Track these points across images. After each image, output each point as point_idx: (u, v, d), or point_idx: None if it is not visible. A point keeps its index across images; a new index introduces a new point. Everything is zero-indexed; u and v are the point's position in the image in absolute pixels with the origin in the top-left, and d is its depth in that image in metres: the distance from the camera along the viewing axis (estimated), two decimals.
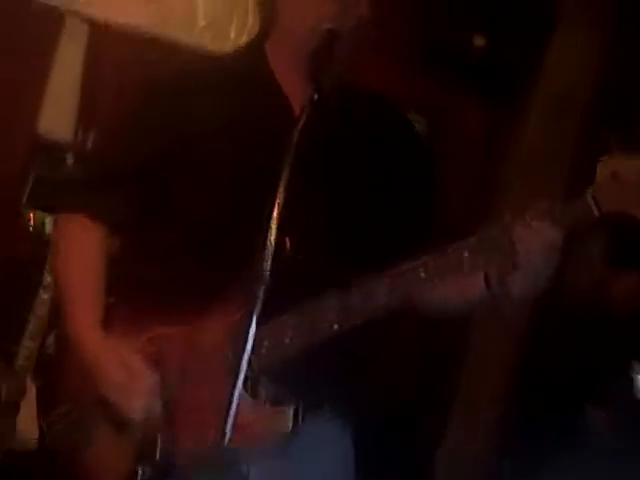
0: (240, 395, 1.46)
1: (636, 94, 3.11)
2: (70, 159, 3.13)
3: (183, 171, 1.67)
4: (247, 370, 1.52)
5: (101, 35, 3.33)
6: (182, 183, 1.68)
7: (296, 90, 1.64)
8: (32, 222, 3.09)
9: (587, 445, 2.76)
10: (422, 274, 1.55)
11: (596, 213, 1.49)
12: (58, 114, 3.28)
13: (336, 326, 1.57)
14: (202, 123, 1.67)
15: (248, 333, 1.36)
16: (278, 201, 1.39)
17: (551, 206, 1.52)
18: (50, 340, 2.65)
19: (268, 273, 1.36)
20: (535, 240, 1.51)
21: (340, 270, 1.61)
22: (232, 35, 3.33)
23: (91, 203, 1.71)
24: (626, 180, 1.47)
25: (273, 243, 1.37)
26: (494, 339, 3.23)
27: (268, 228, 1.38)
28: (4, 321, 2.96)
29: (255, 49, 1.75)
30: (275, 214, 1.38)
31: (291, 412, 1.59)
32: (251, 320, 1.36)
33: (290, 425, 1.59)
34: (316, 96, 1.49)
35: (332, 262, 1.63)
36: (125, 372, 1.58)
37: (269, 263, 1.37)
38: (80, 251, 1.71)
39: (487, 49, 3.25)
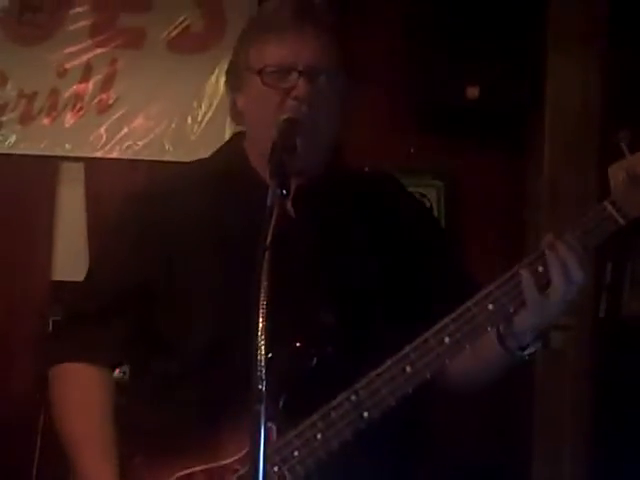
0: None
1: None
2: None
3: (174, 290, 1.60)
4: None
5: (98, 170, 3.36)
6: (173, 303, 1.61)
7: None
8: None
9: None
10: (446, 339, 1.46)
11: (621, 221, 1.43)
12: (70, 256, 3.28)
13: (366, 414, 1.47)
14: (188, 233, 1.61)
15: (258, 456, 1.25)
16: (262, 311, 1.30)
17: (572, 230, 1.45)
18: None
19: (264, 389, 1.26)
20: (567, 256, 1.43)
21: (359, 360, 1.52)
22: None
23: (80, 352, 1.63)
24: None
25: (263, 357, 1.27)
26: (560, 384, 3.07)
27: (258, 342, 1.29)
28: None
29: (234, 148, 1.71)
30: (260, 325, 1.29)
31: None
32: (258, 442, 1.26)
33: None
34: (284, 191, 1.41)
35: (349, 355, 1.53)
36: None
37: (263, 379, 1.26)
38: (85, 400, 1.62)
39: (481, 99, 3.17)
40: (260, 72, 1.57)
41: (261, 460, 1.25)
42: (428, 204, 3.47)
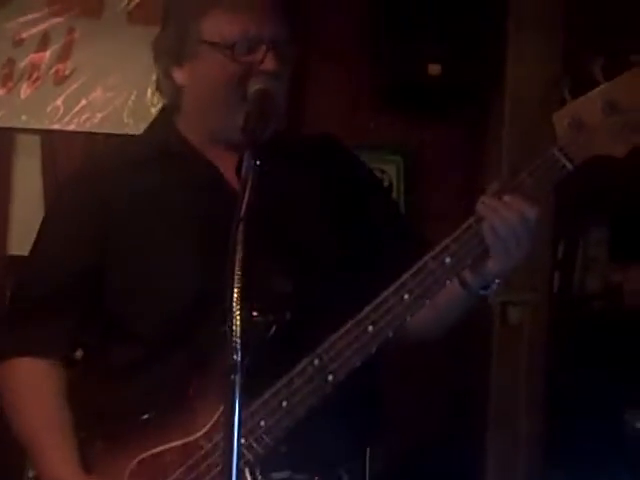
0: None
1: None
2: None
3: (120, 270, 1.56)
4: (254, 462, 1.44)
5: (55, 143, 3.29)
6: (121, 284, 1.56)
7: (220, 155, 1.58)
8: None
9: (628, 453, 2.67)
10: (405, 296, 1.45)
11: (569, 166, 1.43)
12: (25, 230, 3.20)
13: (331, 377, 1.46)
14: (131, 211, 1.57)
15: (232, 425, 1.25)
16: (237, 282, 1.29)
17: (522, 178, 1.44)
18: None
19: (238, 361, 1.25)
20: (504, 213, 1.43)
21: (318, 324, 1.50)
22: None
23: (28, 346, 1.57)
24: (587, 124, 1.42)
25: (238, 326, 1.26)
26: (516, 358, 3.12)
27: (230, 310, 1.28)
28: None
29: (166, 128, 1.66)
30: (235, 295, 1.28)
31: None
32: (234, 413, 1.26)
33: None
34: (258, 161, 1.40)
35: (308, 320, 1.51)
36: None
37: (238, 349, 1.26)
38: (36, 394, 1.57)
39: (443, 76, 3.18)
40: (228, 46, 1.54)
41: (236, 431, 1.25)
42: (388, 180, 3.49)
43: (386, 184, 3.45)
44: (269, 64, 1.54)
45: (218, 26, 1.55)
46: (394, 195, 3.44)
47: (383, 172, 3.45)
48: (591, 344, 3.10)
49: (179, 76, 1.59)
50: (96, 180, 1.60)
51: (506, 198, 1.44)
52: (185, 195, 1.58)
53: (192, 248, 1.54)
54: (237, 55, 1.54)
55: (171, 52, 1.59)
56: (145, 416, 1.51)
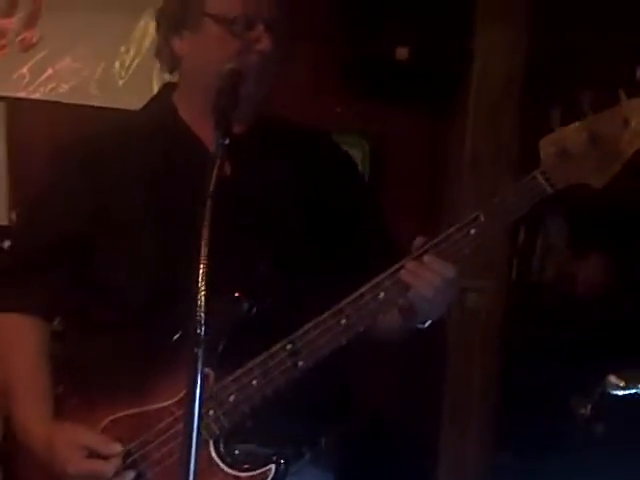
0: (219, 466, 1.50)
1: (568, 71, 3.12)
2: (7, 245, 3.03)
3: (108, 240, 1.60)
4: (219, 434, 1.48)
5: (21, 111, 3.26)
6: (108, 253, 1.61)
7: (209, 130, 1.57)
8: None
9: (576, 438, 2.75)
10: (381, 294, 1.52)
11: (549, 190, 1.50)
12: None
13: (301, 363, 1.51)
14: (121, 184, 1.62)
15: (194, 398, 1.28)
16: (203, 257, 1.31)
17: (503, 196, 1.51)
18: None
19: (203, 334, 1.28)
20: (426, 276, 1.50)
21: (296, 310, 1.56)
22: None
23: (13, 303, 1.64)
24: (571, 153, 1.49)
25: (203, 302, 1.29)
26: (472, 343, 3.19)
27: (197, 287, 1.30)
28: None
29: (163, 102, 1.70)
30: (201, 271, 1.31)
31: (273, 469, 1.53)
32: (195, 385, 1.28)
33: None
34: (227, 140, 1.43)
35: (285, 306, 1.57)
36: (87, 454, 1.50)
37: (202, 323, 1.29)
38: (17, 347, 1.64)
39: (411, 61, 3.21)
40: (229, 20, 1.57)
41: (197, 402, 1.28)
42: None
43: None
44: (264, 43, 1.58)
45: (221, 0, 1.59)
46: None
47: None
48: (544, 331, 3.17)
49: (179, 45, 1.63)
50: (92, 152, 1.65)
51: (426, 259, 1.51)
52: (171, 170, 1.62)
53: (175, 222, 1.57)
54: (236, 30, 1.57)
55: (173, 22, 1.63)
56: (122, 378, 1.56)
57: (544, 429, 2.94)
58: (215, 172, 1.39)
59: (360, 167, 3.52)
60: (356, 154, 3.51)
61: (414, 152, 3.49)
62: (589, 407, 2.71)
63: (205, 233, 1.32)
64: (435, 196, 3.40)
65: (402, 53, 3.27)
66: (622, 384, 2.62)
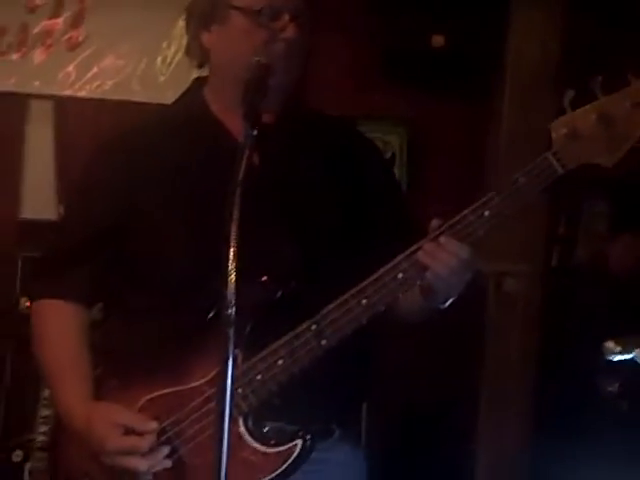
0: (248, 441, 1.55)
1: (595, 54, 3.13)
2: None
3: (144, 228, 1.68)
4: (248, 411, 1.54)
5: (67, 109, 3.37)
6: (144, 241, 1.68)
7: (238, 122, 1.61)
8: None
9: (603, 417, 2.75)
10: (399, 275, 1.56)
11: (560, 170, 1.54)
12: (39, 195, 3.31)
13: (324, 342, 1.57)
14: (156, 175, 1.68)
15: (226, 377, 1.35)
16: (233, 242, 1.38)
17: (515, 177, 1.55)
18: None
19: (233, 315, 1.35)
20: (442, 256, 1.54)
21: (320, 292, 1.60)
22: None
23: (56, 290, 1.71)
24: (582, 134, 1.54)
25: (233, 285, 1.36)
26: (509, 327, 3.22)
27: (228, 271, 1.37)
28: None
29: (194, 95, 1.76)
30: (231, 255, 1.38)
31: (300, 445, 1.59)
32: (227, 365, 1.35)
33: (301, 458, 1.59)
34: (255, 131, 1.49)
35: (310, 288, 1.61)
36: (124, 431, 1.57)
37: (233, 305, 1.36)
38: (59, 332, 1.71)
39: (446, 48, 3.25)
40: (255, 12, 1.62)
41: (229, 379, 1.34)
42: (391, 151, 3.56)
43: (389, 155, 3.53)
44: (290, 32, 1.62)
45: None
46: (397, 166, 3.52)
47: (386, 143, 3.52)
48: (579, 313, 3.18)
49: (207, 39, 1.68)
50: (127, 148, 1.72)
51: (442, 240, 1.55)
52: (201, 161, 1.67)
53: (206, 211, 1.64)
54: (262, 21, 1.63)
55: (201, 16, 1.68)
56: (157, 360, 1.63)
57: (583, 412, 2.95)
58: (244, 162, 1.45)
59: (398, 153, 3.58)
60: (394, 141, 3.55)
61: (451, 137, 3.52)
62: (617, 385, 2.72)
63: (234, 220, 1.39)
64: (472, 179, 3.42)
65: (438, 41, 3.30)
66: (619, 349, 2.63)
